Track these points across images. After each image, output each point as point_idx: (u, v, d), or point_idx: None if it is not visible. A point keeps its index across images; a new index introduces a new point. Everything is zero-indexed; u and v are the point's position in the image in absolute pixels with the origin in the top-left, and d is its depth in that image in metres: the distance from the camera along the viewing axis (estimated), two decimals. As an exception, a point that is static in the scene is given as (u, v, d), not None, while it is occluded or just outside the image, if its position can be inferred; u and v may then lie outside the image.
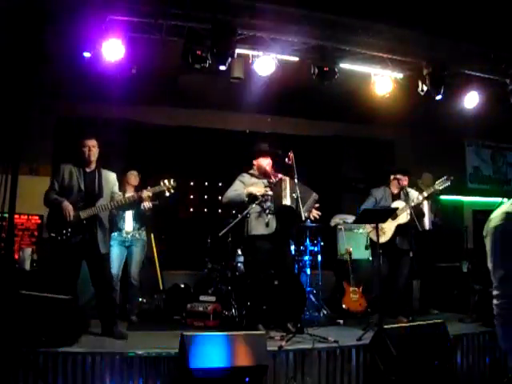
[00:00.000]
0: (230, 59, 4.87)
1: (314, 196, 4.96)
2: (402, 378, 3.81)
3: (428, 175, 6.33)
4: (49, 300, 3.87)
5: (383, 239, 5.24)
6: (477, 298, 5.47)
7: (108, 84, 5.49)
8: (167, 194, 4.59)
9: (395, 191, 5.52)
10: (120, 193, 4.65)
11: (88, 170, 4.51)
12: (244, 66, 5.29)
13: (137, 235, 5.58)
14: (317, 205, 4.99)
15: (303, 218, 4.71)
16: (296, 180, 4.73)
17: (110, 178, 4.63)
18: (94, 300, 4.60)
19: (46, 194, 4.42)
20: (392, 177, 5.55)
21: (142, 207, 5.06)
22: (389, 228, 5.31)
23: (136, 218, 5.56)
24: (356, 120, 7.59)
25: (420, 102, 5.96)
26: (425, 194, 5.29)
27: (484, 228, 2.44)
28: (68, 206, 4.29)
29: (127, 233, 5.52)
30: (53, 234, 4.31)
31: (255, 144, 5.26)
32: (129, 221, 5.53)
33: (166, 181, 4.58)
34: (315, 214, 4.98)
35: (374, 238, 4.98)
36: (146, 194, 4.48)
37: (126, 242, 5.52)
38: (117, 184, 4.70)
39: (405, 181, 5.49)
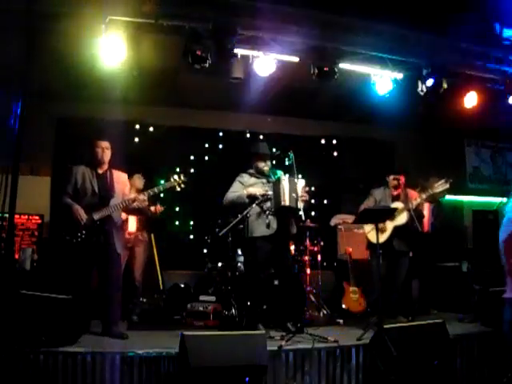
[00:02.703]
0: (230, 59, 4.87)
1: (300, 182, 4.89)
2: (401, 377, 3.81)
3: (436, 180, 6.27)
4: (49, 300, 3.87)
5: (380, 240, 5.24)
6: (477, 298, 5.47)
7: (108, 84, 5.49)
8: (178, 189, 4.62)
9: (394, 192, 5.50)
10: (130, 195, 4.63)
11: (100, 171, 4.52)
12: (244, 66, 5.29)
13: (139, 236, 5.58)
14: (307, 188, 4.97)
15: (303, 219, 4.71)
16: (296, 180, 4.73)
17: (122, 178, 4.64)
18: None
19: (60, 198, 4.43)
20: (388, 177, 5.55)
21: (150, 211, 5.10)
22: (387, 228, 5.30)
23: (139, 220, 5.57)
24: (356, 120, 7.60)
25: (420, 102, 5.96)
26: (423, 196, 5.29)
27: None
28: (78, 210, 4.30)
29: (130, 234, 5.52)
30: (68, 237, 4.30)
31: (253, 145, 5.25)
32: (132, 222, 5.53)
33: (176, 176, 4.60)
34: (304, 198, 4.89)
35: (372, 239, 4.97)
36: (142, 197, 4.48)
37: (128, 243, 5.52)
38: (128, 185, 4.72)
39: (395, 180, 5.47)
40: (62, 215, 4.44)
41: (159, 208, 5.56)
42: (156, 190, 4.54)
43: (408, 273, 5.46)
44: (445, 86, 5.42)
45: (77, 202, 4.38)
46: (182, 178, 4.60)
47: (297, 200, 4.67)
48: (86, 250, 4.32)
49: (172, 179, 4.59)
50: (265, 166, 5.02)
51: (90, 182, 4.43)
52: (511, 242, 3.23)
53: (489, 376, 4.56)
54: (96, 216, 4.33)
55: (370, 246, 5.37)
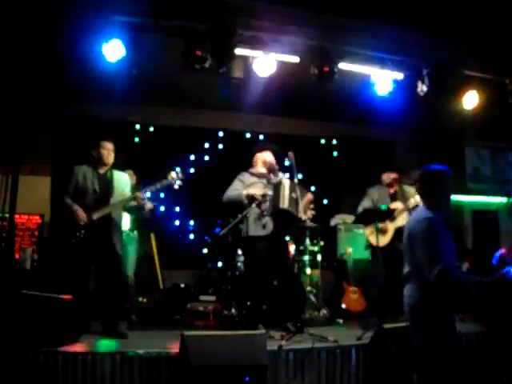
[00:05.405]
0: (230, 59, 4.88)
1: (309, 196, 4.95)
2: (401, 377, 3.81)
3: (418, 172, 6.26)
4: (49, 300, 3.88)
5: (383, 242, 5.23)
6: (476, 298, 5.46)
7: (108, 84, 5.50)
8: (176, 186, 4.62)
9: (391, 190, 5.49)
10: (130, 194, 4.63)
11: (102, 171, 4.55)
12: (244, 66, 5.29)
13: (131, 234, 5.58)
14: (311, 205, 5.00)
15: (302, 219, 4.71)
16: (296, 180, 4.74)
17: (123, 178, 4.67)
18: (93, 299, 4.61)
19: (61, 198, 4.45)
20: (382, 175, 5.54)
21: (144, 210, 5.12)
22: (388, 230, 5.29)
23: (132, 219, 5.56)
24: (356, 120, 7.59)
25: (420, 102, 5.96)
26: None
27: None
28: (78, 210, 4.33)
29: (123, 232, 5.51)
30: (67, 237, 4.33)
31: (253, 146, 5.33)
32: (125, 220, 5.53)
33: (173, 173, 4.60)
34: (309, 214, 4.96)
35: (372, 241, 4.95)
36: (140, 195, 4.50)
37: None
38: (129, 185, 4.73)
39: (390, 178, 5.45)
40: (62, 215, 4.46)
41: (149, 206, 5.53)
42: (153, 187, 4.56)
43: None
44: (444, 86, 5.42)
45: (77, 201, 4.40)
46: (180, 175, 4.61)
47: (296, 202, 4.67)
48: (84, 249, 4.33)
49: (169, 176, 4.61)
50: (272, 159, 5.03)
51: (90, 182, 4.45)
52: None
53: (488, 375, 4.56)
54: (95, 215, 4.34)
55: (371, 246, 5.36)
